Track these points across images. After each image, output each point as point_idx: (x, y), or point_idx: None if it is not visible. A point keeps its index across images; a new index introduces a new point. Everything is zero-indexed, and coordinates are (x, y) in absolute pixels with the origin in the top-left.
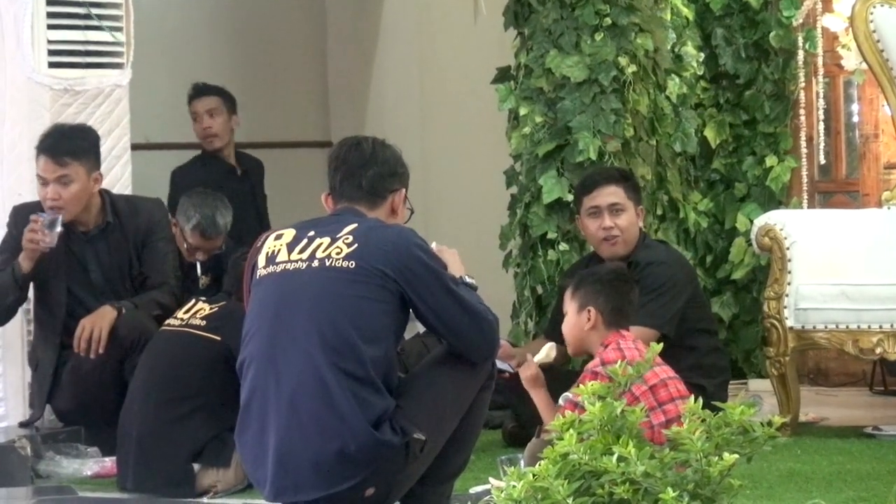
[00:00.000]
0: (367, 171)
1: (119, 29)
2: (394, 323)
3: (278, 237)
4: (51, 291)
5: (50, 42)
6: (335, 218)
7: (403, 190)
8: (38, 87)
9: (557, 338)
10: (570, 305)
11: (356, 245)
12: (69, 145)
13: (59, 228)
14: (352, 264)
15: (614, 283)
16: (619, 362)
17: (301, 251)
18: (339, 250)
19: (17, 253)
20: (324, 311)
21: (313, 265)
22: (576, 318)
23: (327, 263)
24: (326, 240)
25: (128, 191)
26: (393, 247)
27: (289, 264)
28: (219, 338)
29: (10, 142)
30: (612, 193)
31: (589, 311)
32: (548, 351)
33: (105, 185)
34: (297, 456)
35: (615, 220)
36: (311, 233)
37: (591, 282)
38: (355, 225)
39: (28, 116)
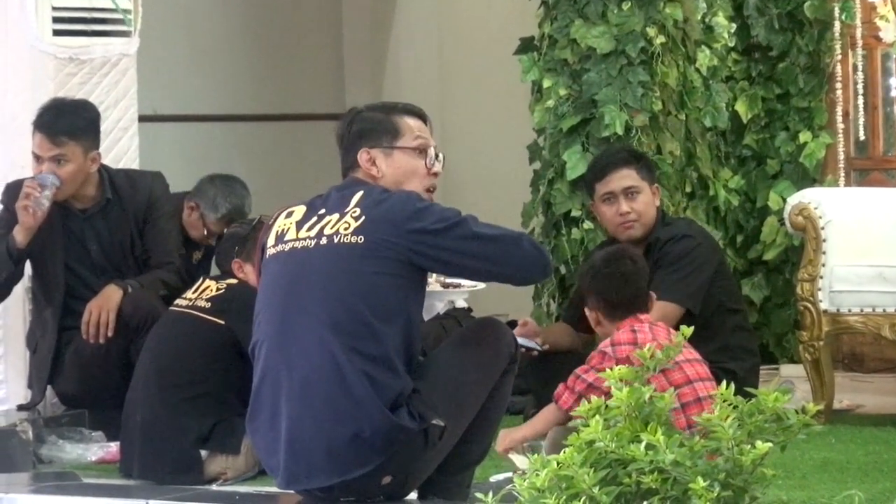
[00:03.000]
0: (344, 142)
1: None
2: (408, 298)
3: (289, 215)
4: (49, 271)
5: (54, 9)
6: (343, 190)
7: (369, 148)
8: (42, 55)
9: (577, 323)
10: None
11: (363, 218)
12: (66, 124)
13: (51, 187)
14: (360, 239)
15: (601, 275)
16: (629, 344)
17: (309, 229)
18: (346, 225)
19: (11, 229)
20: (335, 290)
21: (321, 243)
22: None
23: (335, 241)
24: (335, 216)
25: (135, 164)
26: (399, 213)
27: (297, 243)
28: (222, 321)
29: (12, 112)
30: (625, 177)
31: (591, 312)
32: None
33: (111, 158)
34: (310, 441)
35: (631, 204)
36: (322, 210)
37: (584, 280)
38: (361, 193)
39: (31, 86)
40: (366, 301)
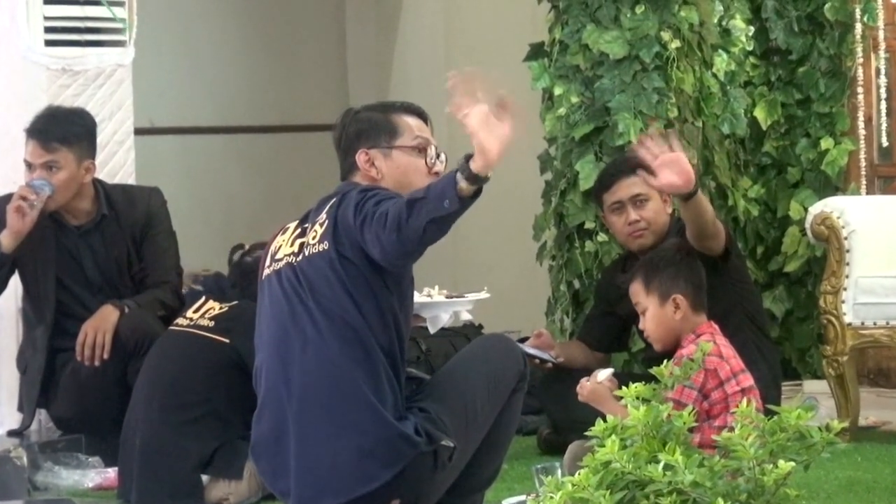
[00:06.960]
0: (342, 144)
1: (120, 4)
2: (384, 297)
3: (284, 232)
4: (40, 288)
5: (46, 18)
6: (324, 201)
7: (367, 149)
8: (34, 66)
9: (593, 342)
10: (648, 300)
11: (327, 222)
12: (60, 130)
13: (44, 193)
14: (326, 245)
15: (686, 261)
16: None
17: (292, 244)
18: (314, 234)
19: None
20: (320, 302)
21: (299, 258)
22: (660, 311)
23: (307, 253)
24: (317, 227)
25: (131, 178)
26: (351, 207)
27: (283, 261)
28: (227, 340)
29: (4, 126)
30: (632, 185)
31: (675, 299)
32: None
33: (107, 172)
34: (316, 459)
35: (640, 212)
36: (307, 224)
37: (663, 268)
38: (335, 200)
39: (23, 98)
40: (346, 308)
